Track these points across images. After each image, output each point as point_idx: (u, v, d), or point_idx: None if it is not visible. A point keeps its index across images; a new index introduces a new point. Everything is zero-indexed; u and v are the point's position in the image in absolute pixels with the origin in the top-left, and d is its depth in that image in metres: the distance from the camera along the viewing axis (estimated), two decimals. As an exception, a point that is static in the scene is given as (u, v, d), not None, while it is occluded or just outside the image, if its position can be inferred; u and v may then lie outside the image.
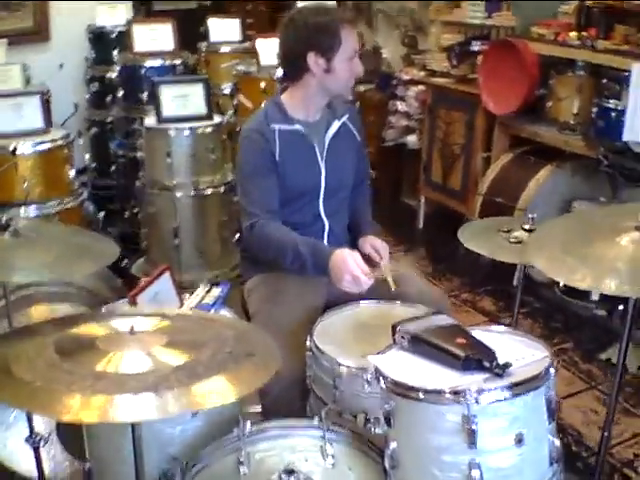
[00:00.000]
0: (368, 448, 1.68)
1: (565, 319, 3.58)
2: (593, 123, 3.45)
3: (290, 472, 1.52)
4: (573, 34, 3.57)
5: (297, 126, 2.17)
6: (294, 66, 2.15)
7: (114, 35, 3.96)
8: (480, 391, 1.38)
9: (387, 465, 1.53)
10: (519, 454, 1.42)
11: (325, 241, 2.25)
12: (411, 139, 4.80)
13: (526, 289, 3.82)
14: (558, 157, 3.77)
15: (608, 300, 3.44)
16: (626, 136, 2.91)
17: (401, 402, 1.47)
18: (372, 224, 2.40)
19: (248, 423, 1.66)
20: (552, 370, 1.45)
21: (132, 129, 3.49)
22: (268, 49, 3.67)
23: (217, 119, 3.05)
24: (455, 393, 1.39)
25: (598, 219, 1.74)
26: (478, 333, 1.62)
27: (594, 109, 3.44)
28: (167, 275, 2.06)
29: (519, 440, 1.41)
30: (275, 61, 3.67)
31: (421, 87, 4.68)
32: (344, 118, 2.26)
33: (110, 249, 1.83)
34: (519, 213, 3.69)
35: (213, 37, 4.29)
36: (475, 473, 1.39)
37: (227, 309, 2.14)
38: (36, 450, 1.89)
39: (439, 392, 1.40)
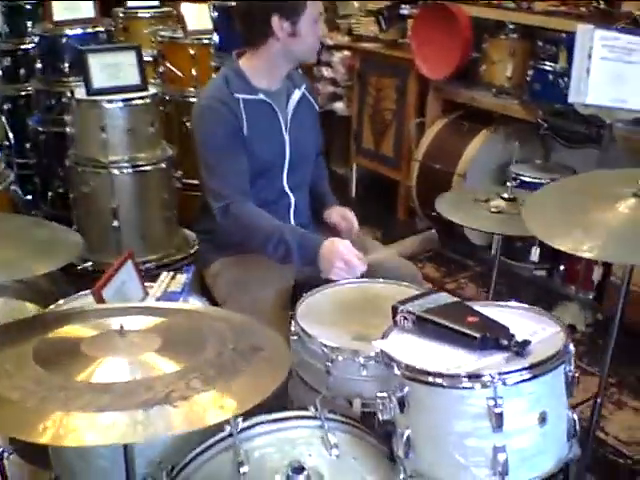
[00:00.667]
0: (369, 435, 1.61)
1: (508, 281, 3.61)
2: (529, 86, 3.47)
3: (300, 469, 1.42)
4: (508, -5, 3.56)
5: (261, 95, 2.03)
6: (256, 30, 2.00)
7: (29, 6, 3.64)
8: (505, 372, 1.33)
9: (400, 453, 1.45)
10: (542, 433, 1.38)
11: (291, 218, 2.14)
12: (339, 106, 4.70)
13: (465, 253, 3.90)
14: (492, 121, 3.78)
15: (547, 260, 3.51)
16: (571, 98, 2.92)
17: (418, 388, 1.39)
18: (333, 197, 2.31)
19: (240, 418, 1.55)
20: (571, 346, 1.41)
21: (53, 103, 3.20)
22: (194, 14, 3.47)
23: (153, 89, 2.84)
24: (479, 376, 1.33)
25: (592, 186, 1.71)
26: (481, 310, 1.56)
27: (529, 72, 3.46)
28: (130, 263, 1.89)
29: (542, 419, 1.37)
30: (202, 26, 3.56)
31: (347, 52, 4.58)
32: (303, 88, 2.14)
33: (70, 239, 1.65)
34: (458, 179, 3.70)
35: (130, 2, 4.01)
36: (501, 457, 1.34)
37: (196, 296, 1.99)
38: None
39: (462, 376, 1.34)
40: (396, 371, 1.41)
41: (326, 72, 4.72)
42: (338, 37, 4.67)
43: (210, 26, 3.39)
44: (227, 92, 1.99)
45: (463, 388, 1.34)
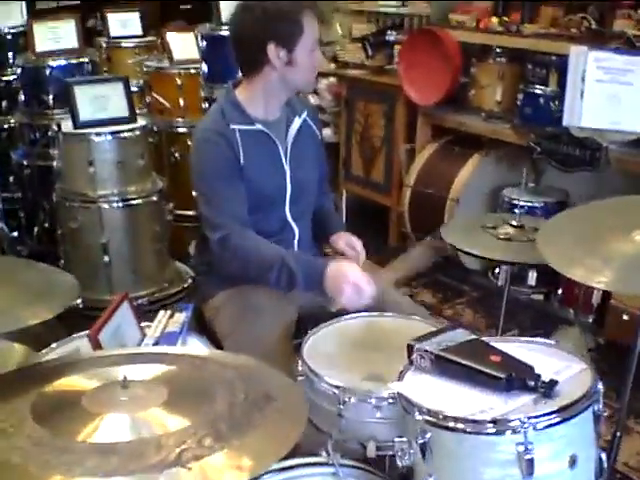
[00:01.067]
0: (385, 480, 1.54)
1: (507, 304, 3.55)
2: (519, 110, 3.45)
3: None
4: (495, 19, 3.54)
5: (258, 126, 1.96)
6: (251, 59, 1.93)
7: (10, 37, 3.55)
8: (535, 416, 1.25)
9: (425, 503, 1.38)
10: (572, 476, 1.31)
11: (295, 249, 2.06)
12: (326, 133, 4.64)
13: (460, 278, 3.85)
14: (482, 146, 3.75)
15: (544, 283, 3.46)
16: (566, 121, 2.91)
17: (441, 434, 1.32)
18: (340, 221, 2.25)
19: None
20: (600, 385, 1.34)
21: (37, 136, 3.12)
22: (180, 43, 3.42)
23: (142, 121, 2.76)
24: (508, 421, 1.26)
25: (605, 214, 1.66)
26: (501, 346, 1.50)
27: (519, 96, 3.44)
28: (126, 304, 1.80)
29: (573, 462, 1.30)
30: (189, 55, 3.50)
31: (333, 79, 4.55)
32: (304, 115, 2.08)
33: (64, 283, 1.57)
34: (451, 204, 3.66)
35: (113, 32, 3.94)
36: (532, 504, 1.27)
37: (196, 335, 1.91)
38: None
39: (491, 421, 1.27)
40: (417, 416, 1.34)
41: (312, 99, 4.68)
42: (323, 64, 4.64)
43: (197, 55, 3.34)
44: (223, 123, 1.93)
45: (492, 434, 1.27)
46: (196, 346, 1.85)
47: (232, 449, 1.07)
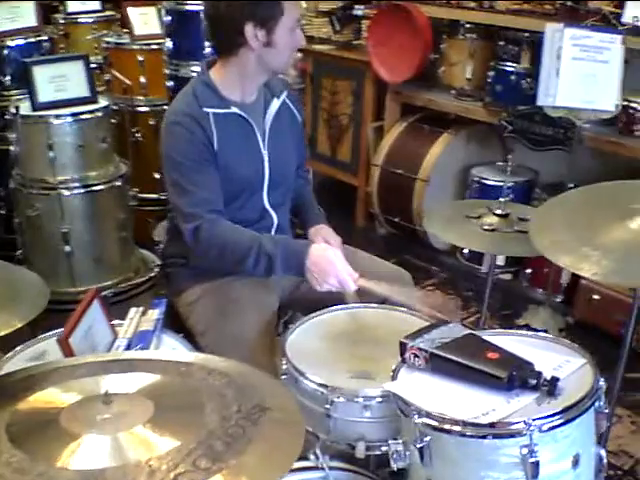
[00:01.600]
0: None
1: (474, 286, 3.54)
2: (490, 88, 3.39)
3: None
4: (467, -6, 3.46)
5: (234, 109, 1.86)
6: (228, 40, 1.82)
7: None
8: (540, 417, 1.21)
9: (422, 507, 1.32)
10: (575, 476, 1.28)
11: None
12: (291, 110, 4.54)
13: (428, 259, 3.81)
14: (452, 124, 3.69)
15: (512, 264, 3.45)
16: (540, 100, 2.84)
17: (442, 437, 1.26)
18: (319, 211, 2.16)
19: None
20: (602, 381, 1.30)
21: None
22: (141, 18, 3.25)
23: (103, 101, 2.61)
24: (513, 423, 1.21)
25: (599, 200, 1.61)
26: (495, 340, 1.44)
27: (490, 73, 3.38)
28: (97, 302, 1.69)
29: (576, 462, 1.27)
30: (151, 30, 3.34)
31: (298, 55, 4.41)
32: (283, 96, 1.98)
33: (32, 287, 1.45)
34: (421, 184, 3.60)
35: (71, 7, 3.74)
36: (536, 507, 1.22)
37: (170, 333, 1.81)
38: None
39: (495, 424, 1.21)
40: (416, 419, 1.28)
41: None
42: (303, 43, 4.49)
43: (159, 30, 3.19)
44: (195, 106, 1.82)
45: (496, 437, 1.21)
46: (172, 345, 1.75)
47: (230, 470, 0.98)
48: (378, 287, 1.74)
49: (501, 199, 1.94)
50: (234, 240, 1.81)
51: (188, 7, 2.69)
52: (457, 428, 1.24)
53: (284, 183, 1.99)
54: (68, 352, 1.52)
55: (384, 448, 1.51)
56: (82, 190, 2.55)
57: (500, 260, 3.27)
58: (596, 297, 2.99)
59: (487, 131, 3.69)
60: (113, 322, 1.76)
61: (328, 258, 1.72)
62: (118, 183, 2.62)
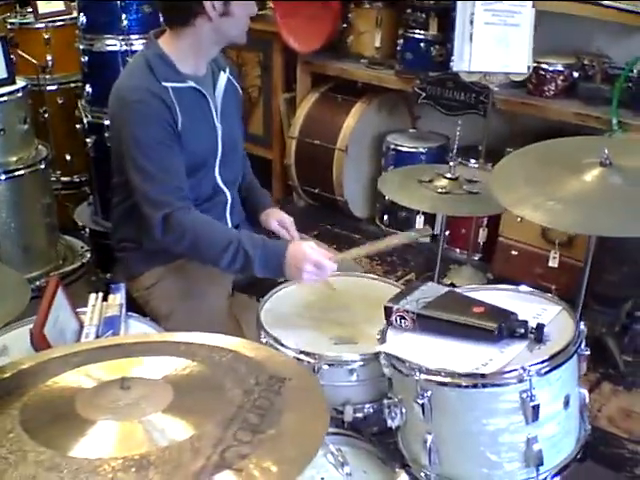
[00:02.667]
0: (368, 444, 1.53)
1: (397, 251, 3.64)
2: (400, 56, 3.46)
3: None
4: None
5: (190, 82, 1.80)
6: (184, 10, 1.75)
7: None
8: (536, 363, 1.28)
9: (423, 460, 1.38)
10: (566, 416, 1.37)
11: (227, 216, 1.95)
12: (195, 85, 4.43)
13: (350, 227, 3.87)
14: (363, 93, 3.74)
15: (431, 227, 3.56)
16: (456, 66, 2.94)
17: (444, 391, 1.32)
18: (265, 193, 2.14)
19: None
20: (582, 325, 1.39)
21: None
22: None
23: (21, 82, 2.45)
24: (512, 371, 1.28)
25: (552, 157, 1.70)
26: (474, 296, 1.51)
27: (399, 41, 3.45)
28: (61, 291, 1.61)
29: (566, 402, 1.36)
30: (55, 8, 3.16)
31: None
32: (227, 70, 1.94)
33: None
34: (340, 153, 3.64)
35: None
36: (536, 447, 1.31)
37: (136, 317, 1.76)
38: None
39: (496, 373, 1.28)
40: (416, 376, 1.32)
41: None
42: (256, 11, 4.37)
43: (63, 7, 3.03)
44: (153, 81, 1.74)
45: (499, 385, 1.28)
46: (141, 329, 1.71)
47: (273, 440, 0.99)
48: (355, 252, 1.77)
49: (451, 163, 2.01)
50: (209, 234, 1.74)
51: (99, -19, 2.57)
52: (459, 381, 1.29)
53: (234, 158, 1.97)
54: (43, 344, 1.44)
55: (367, 410, 1.58)
56: (4, 176, 2.41)
57: (419, 224, 3.42)
58: (514, 253, 3.16)
59: (396, 98, 3.78)
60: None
61: (302, 250, 1.69)
62: (41, 166, 2.48)
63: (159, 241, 1.74)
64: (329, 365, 1.54)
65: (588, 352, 1.39)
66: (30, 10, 3.10)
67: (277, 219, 2.01)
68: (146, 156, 1.72)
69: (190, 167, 1.81)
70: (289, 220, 2.01)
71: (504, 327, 1.36)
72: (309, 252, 1.67)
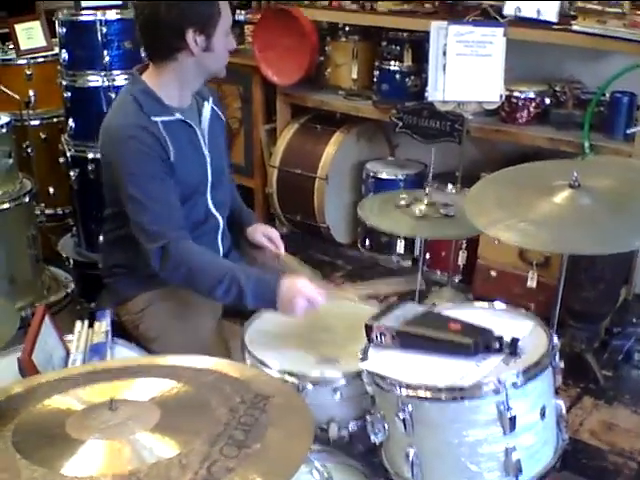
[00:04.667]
0: (352, 460, 1.56)
1: (377, 275, 3.69)
2: (377, 87, 3.54)
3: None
4: (346, -3, 3.60)
5: (177, 115, 1.85)
6: (167, 45, 1.81)
7: None
8: (512, 375, 1.33)
9: (406, 474, 1.41)
10: (543, 426, 1.41)
11: (219, 241, 2.00)
12: (177, 117, 4.50)
13: (333, 253, 3.93)
14: (342, 123, 3.83)
15: (411, 250, 3.63)
16: (430, 96, 3.02)
17: (424, 405, 1.36)
18: (250, 211, 2.21)
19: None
20: (556, 338, 1.45)
21: None
22: (25, 33, 3.16)
23: (4, 117, 2.50)
24: (488, 384, 1.32)
25: (522, 180, 1.77)
26: (451, 314, 1.56)
27: (376, 72, 3.54)
28: (48, 319, 1.65)
29: (543, 413, 1.40)
30: (36, 44, 3.23)
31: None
32: (211, 100, 2.00)
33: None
34: (320, 182, 3.71)
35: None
36: (514, 456, 1.35)
37: (122, 342, 1.79)
38: None
39: (472, 387, 1.32)
40: (397, 392, 1.37)
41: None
42: (234, 46, 4.45)
43: (44, 43, 3.10)
44: (143, 116, 1.79)
45: (478, 398, 1.33)
46: (127, 355, 1.74)
47: (259, 453, 1.03)
48: (344, 293, 1.83)
49: (427, 188, 2.07)
50: (204, 266, 1.78)
51: (83, 18, 2.63)
52: (439, 395, 1.34)
53: (224, 183, 2.02)
54: (32, 370, 1.47)
55: (352, 428, 1.62)
56: (-11, 209, 2.44)
57: (400, 248, 3.48)
58: (493, 274, 3.22)
59: (374, 128, 3.87)
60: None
61: (295, 285, 1.72)
62: (25, 200, 2.52)
63: (157, 272, 1.77)
64: (313, 384, 1.59)
65: (562, 365, 1.44)
66: (11, 46, 3.16)
67: (263, 232, 2.07)
68: (142, 190, 1.77)
69: (183, 195, 1.85)
70: (275, 233, 2.08)
71: (480, 342, 1.41)
72: (302, 287, 1.72)
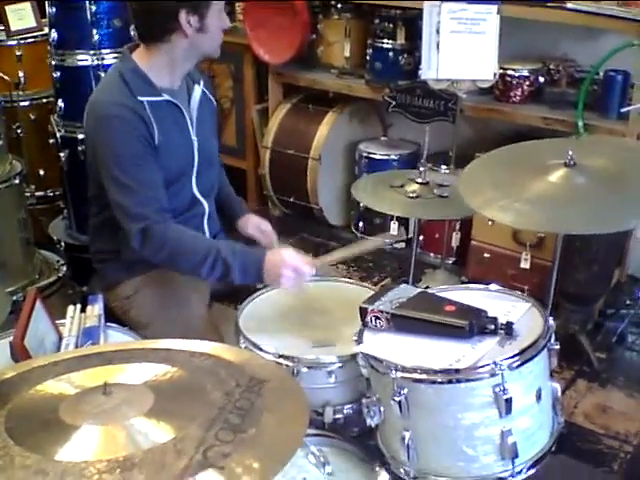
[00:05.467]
0: (348, 444, 1.56)
1: (373, 257, 3.68)
2: (370, 65, 3.52)
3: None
4: (339, -25, 3.55)
5: (165, 96, 1.82)
6: (160, 27, 1.78)
7: None
8: (508, 357, 1.33)
9: (402, 457, 1.41)
10: (539, 409, 1.41)
11: (205, 226, 1.98)
12: (167, 98, 4.45)
13: (326, 235, 3.92)
14: (334, 102, 3.79)
15: (405, 232, 3.62)
16: (424, 74, 2.99)
17: (420, 388, 1.36)
18: (241, 201, 2.18)
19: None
20: (551, 320, 1.44)
21: None
22: (15, 14, 3.11)
23: (-7, 97, 2.46)
24: (485, 365, 1.32)
25: (517, 160, 1.76)
26: (446, 296, 1.55)
27: (369, 51, 3.51)
28: (39, 303, 1.63)
29: (538, 396, 1.40)
30: (27, 25, 3.17)
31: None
32: (202, 83, 1.97)
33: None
34: (313, 162, 3.68)
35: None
36: (510, 439, 1.35)
37: (115, 327, 1.78)
38: None
39: (469, 368, 1.32)
40: (393, 374, 1.36)
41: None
42: (229, 25, 4.39)
43: (35, 24, 3.06)
44: (129, 95, 1.76)
45: (471, 380, 1.32)
46: (121, 338, 1.73)
47: (255, 438, 1.02)
48: (333, 256, 1.81)
49: (421, 168, 2.06)
50: (187, 245, 1.76)
51: (71, -5, 2.59)
52: (434, 377, 1.33)
53: (211, 169, 1.99)
54: (24, 355, 1.46)
55: (347, 411, 1.62)
56: (-22, 191, 2.40)
57: (394, 230, 3.47)
58: (487, 255, 3.21)
59: (367, 107, 3.84)
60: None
61: (280, 255, 1.72)
62: (16, 181, 2.49)
63: (137, 252, 1.75)
64: (308, 368, 1.58)
65: (558, 346, 1.44)
66: (1, 28, 3.12)
67: (255, 224, 2.04)
68: (124, 170, 1.74)
69: (167, 180, 1.83)
70: (266, 225, 2.05)
71: (475, 324, 1.40)
72: (287, 258, 1.70)
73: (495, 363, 1.31)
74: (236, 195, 2.19)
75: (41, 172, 3.22)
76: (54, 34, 2.62)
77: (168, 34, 1.78)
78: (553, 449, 1.44)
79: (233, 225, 2.09)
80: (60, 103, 2.69)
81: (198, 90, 1.93)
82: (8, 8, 3.07)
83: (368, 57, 3.52)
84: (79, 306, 1.80)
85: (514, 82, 3.07)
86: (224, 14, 1.86)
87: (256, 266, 1.71)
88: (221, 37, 1.88)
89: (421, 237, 3.61)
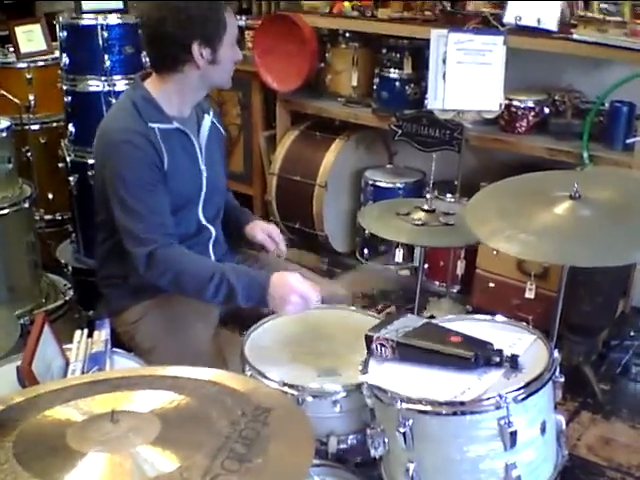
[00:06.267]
0: (352, 474, 1.56)
1: (377, 284, 3.68)
2: (376, 94, 3.55)
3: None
4: (347, 4, 3.60)
5: (175, 124, 1.85)
6: (172, 57, 1.81)
7: None
8: (513, 390, 1.33)
9: (406, 488, 1.41)
10: (543, 442, 1.41)
11: (210, 251, 1.99)
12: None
13: (331, 262, 3.92)
14: (341, 130, 3.83)
15: (410, 259, 3.63)
16: (430, 104, 3.02)
17: (425, 419, 1.36)
18: (246, 210, 2.22)
19: None
20: (556, 353, 1.45)
21: None
22: (25, 36, 3.16)
23: (4, 122, 2.49)
24: (490, 398, 1.32)
25: (524, 191, 1.77)
26: (450, 326, 1.56)
27: (375, 80, 3.55)
28: (47, 327, 1.64)
29: (543, 428, 1.40)
30: (36, 47, 3.23)
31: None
32: (212, 113, 2.00)
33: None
34: (320, 189, 3.70)
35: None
36: (515, 473, 1.35)
37: (121, 352, 1.78)
38: None
39: (475, 401, 1.32)
40: (398, 405, 1.36)
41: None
42: (241, 58, 4.45)
43: (44, 47, 3.10)
44: (140, 122, 1.79)
45: (476, 413, 1.32)
46: (126, 364, 1.73)
47: (260, 468, 1.02)
48: (337, 288, 1.82)
49: (427, 196, 2.07)
50: (192, 268, 1.78)
51: (84, 22, 2.63)
52: (439, 409, 1.33)
53: (217, 197, 2.02)
54: (31, 380, 1.46)
55: (351, 441, 1.61)
56: (-11, 215, 2.43)
57: (398, 257, 3.48)
58: (492, 285, 3.21)
59: (373, 135, 3.87)
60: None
61: (287, 280, 1.72)
62: (25, 205, 2.51)
63: (143, 276, 1.77)
64: (313, 397, 1.58)
65: (562, 379, 1.44)
66: (12, 49, 3.16)
67: (263, 229, 2.06)
68: (132, 195, 1.76)
69: (175, 206, 1.85)
70: (275, 230, 2.07)
71: (480, 355, 1.40)
72: (294, 283, 1.71)
73: (500, 396, 1.31)
74: (242, 207, 2.22)
75: (50, 196, 3.25)
76: (65, 59, 2.66)
77: (180, 65, 1.81)
78: (557, 482, 1.44)
79: (241, 234, 2.10)
80: (71, 128, 2.73)
81: (208, 120, 1.96)
82: (18, 29, 3.11)
83: (375, 86, 3.55)
84: (86, 331, 1.81)
85: (519, 113, 3.10)
86: (236, 47, 1.89)
87: (261, 289, 1.72)
88: (232, 69, 1.91)
89: (426, 265, 3.63)
